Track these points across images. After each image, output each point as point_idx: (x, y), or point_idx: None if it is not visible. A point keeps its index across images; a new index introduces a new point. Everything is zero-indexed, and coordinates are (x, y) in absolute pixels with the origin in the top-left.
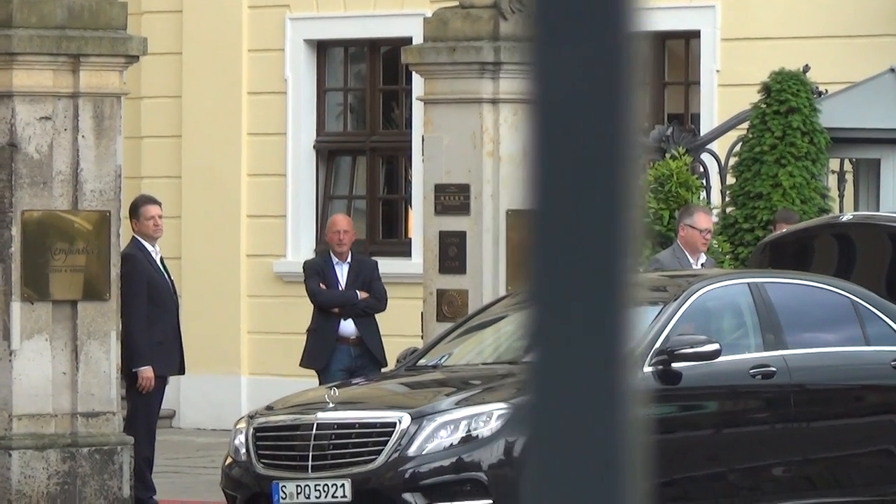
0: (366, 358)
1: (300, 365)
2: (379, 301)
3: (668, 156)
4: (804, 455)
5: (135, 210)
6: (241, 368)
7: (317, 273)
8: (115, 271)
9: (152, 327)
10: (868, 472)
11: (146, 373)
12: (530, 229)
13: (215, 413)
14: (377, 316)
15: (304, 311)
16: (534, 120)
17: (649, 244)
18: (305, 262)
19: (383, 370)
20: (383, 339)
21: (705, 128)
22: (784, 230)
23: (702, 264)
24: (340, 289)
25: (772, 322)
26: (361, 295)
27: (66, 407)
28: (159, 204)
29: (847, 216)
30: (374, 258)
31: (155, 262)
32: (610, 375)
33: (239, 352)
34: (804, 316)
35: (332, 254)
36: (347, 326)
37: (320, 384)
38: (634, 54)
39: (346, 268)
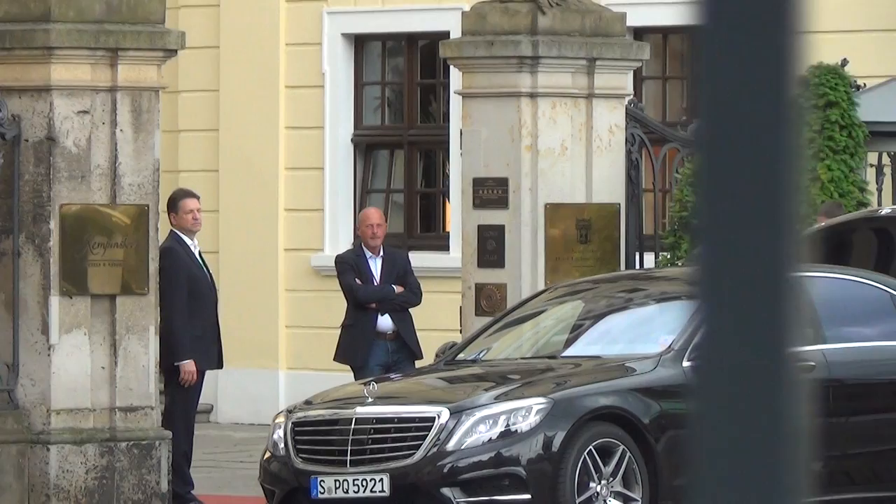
0: (402, 352)
1: (335, 360)
2: (414, 295)
3: None
4: (843, 450)
5: (173, 204)
6: (279, 363)
7: (351, 268)
8: (153, 265)
9: (191, 321)
10: None
11: (188, 367)
12: (697, 219)
13: (253, 408)
14: (412, 309)
15: (342, 306)
16: (702, 111)
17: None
18: (338, 257)
19: (418, 363)
20: (421, 333)
21: None
22: (822, 224)
23: None
24: (375, 283)
25: (811, 316)
26: (397, 289)
27: (105, 401)
28: (198, 197)
29: (886, 210)
30: (405, 251)
31: (194, 255)
32: (776, 365)
33: (277, 346)
34: (843, 310)
35: (364, 248)
36: (384, 322)
37: (356, 380)
38: (798, 48)
39: (379, 261)
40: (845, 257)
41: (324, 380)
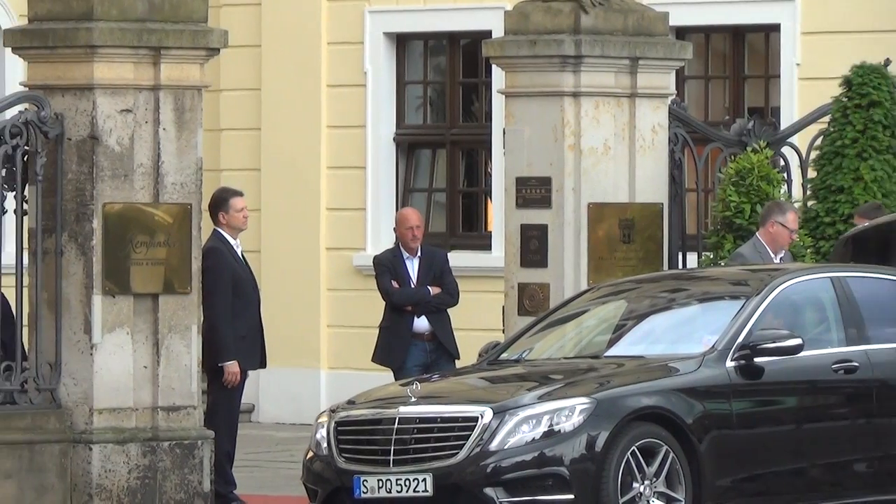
0: (440, 352)
1: (373, 360)
2: (451, 296)
3: (749, 149)
4: (886, 451)
5: (224, 202)
6: (321, 362)
7: (388, 269)
8: (196, 264)
9: (236, 322)
10: None
11: (232, 368)
12: None
13: (294, 407)
14: (452, 308)
15: (382, 304)
16: None
17: (730, 238)
18: (376, 258)
19: (459, 363)
20: (463, 332)
21: (785, 122)
22: (866, 224)
23: (780, 258)
24: (412, 284)
25: (854, 317)
26: (433, 290)
27: (147, 401)
28: (243, 196)
29: None
30: (444, 251)
31: (237, 255)
32: None
33: (318, 345)
34: (887, 310)
35: (402, 248)
36: (421, 323)
37: (396, 381)
38: None
39: (416, 262)
40: (889, 257)
41: (365, 379)
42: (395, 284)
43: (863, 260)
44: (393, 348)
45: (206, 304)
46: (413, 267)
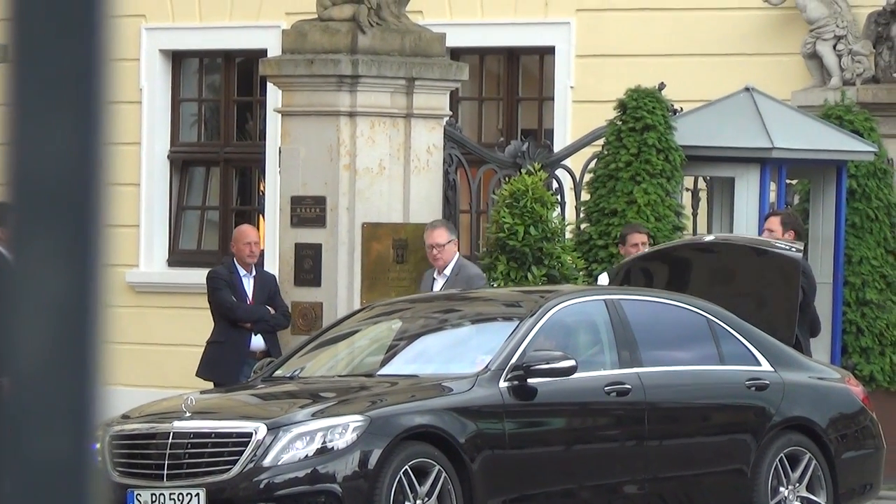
0: None
1: (198, 375)
2: (285, 318)
3: (523, 171)
4: (657, 473)
5: None
6: None
7: (226, 284)
8: None
9: None
10: (720, 490)
11: None
12: None
13: None
14: None
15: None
16: None
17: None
18: (212, 272)
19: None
20: None
21: (558, 144)
22: (645, 251)
23: (448, 278)
24: (248, 301)
25: (627, 339)
26: (271, 310)
27: None
28: None
29: (709, 237)
30: (273, 274)
31: None
32: None
33: None
34: (660, 334)
35: (238, 265)
36: (257, 342)
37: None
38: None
39: (252, 280)
40: (666, 282)
41: (136, 396)
42: (233, 300)
43: (638, 284)
44: (225, 364)
45: None
46: (249, 285)
